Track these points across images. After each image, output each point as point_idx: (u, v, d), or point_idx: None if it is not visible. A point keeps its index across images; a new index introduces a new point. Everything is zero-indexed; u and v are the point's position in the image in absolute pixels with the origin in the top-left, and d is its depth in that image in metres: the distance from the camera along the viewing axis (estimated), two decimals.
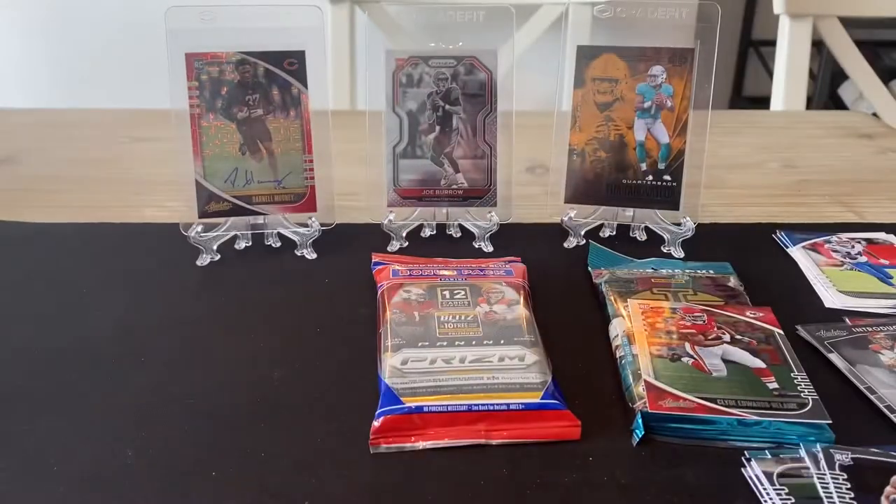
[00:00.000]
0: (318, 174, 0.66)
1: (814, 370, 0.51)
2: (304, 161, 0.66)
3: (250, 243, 0.68)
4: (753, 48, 2.58)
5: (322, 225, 0.68)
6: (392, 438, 0.46)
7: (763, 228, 0.72)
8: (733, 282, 0.61)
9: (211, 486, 0.43)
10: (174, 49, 0.62)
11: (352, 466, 0.45)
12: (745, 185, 0.83)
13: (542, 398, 0.47)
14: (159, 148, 0.89)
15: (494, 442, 0.46)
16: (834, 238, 0.69)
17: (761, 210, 0.77)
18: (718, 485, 0.44)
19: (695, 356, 0.51)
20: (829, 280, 0.63)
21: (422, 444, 0.46)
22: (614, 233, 0.70)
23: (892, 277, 0.63)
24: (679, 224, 0.68)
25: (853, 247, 0.67)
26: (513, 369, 0.49)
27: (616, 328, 0.55)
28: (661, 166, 0.67)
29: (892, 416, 0.48)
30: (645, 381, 0.49)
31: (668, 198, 0.67)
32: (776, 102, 1.23)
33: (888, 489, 0.41)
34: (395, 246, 0.68)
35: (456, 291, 0.57)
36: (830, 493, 0.41)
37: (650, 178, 0.67)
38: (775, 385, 0.49)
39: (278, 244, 0.68)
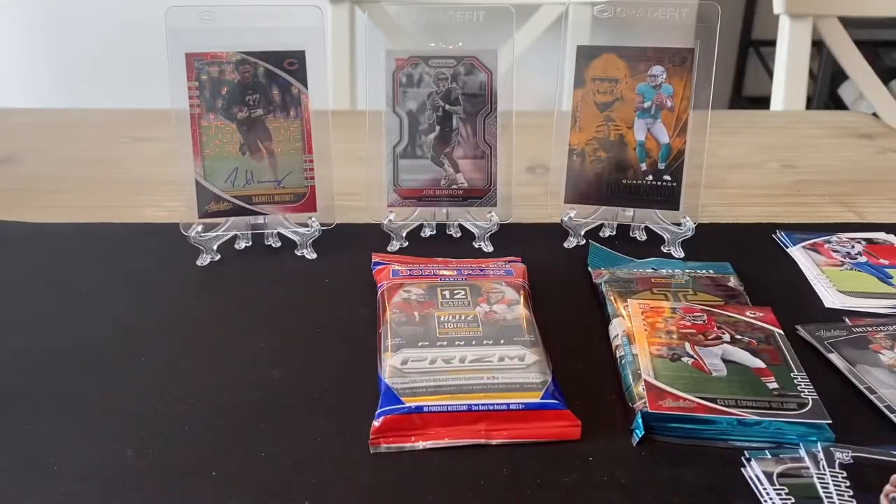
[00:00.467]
0: (318, 174, 0.66)
1: (814, 370, 0.51)
2: (304, 161, 0.66)
3: (250, 243, 0.68)
4: (753, 48, 2.58)
5: (322, 225, 0.68)
6: (392, 438, 0.46)
7: (763, 228, 0.72)
8: (733, 282, 0.61)
9: (211, 486, 0.43)
10: (174, 49, 0.62)
11: (352, 466, 0.45)
12: (745, 185, 0.83)
13: (542, 398, 0.47)
14: (159, 148, 0.89)
15: (494, 442, 0.46)
16: (834, 238, 0.69)
17: (761, 210, 0.77)
18: (718, 485, 0.44)
19: (695, 356, 0.51)
20: (829, 280, 0.63)
21: (422, 444, 0.46)
22: (614, 233, 0.70)
23: (892, 277, 0.63)
24: (679, 224, 0.68)
25: (853, 247, 0.67)
26: (513, 369, 0.49)
27: (616, 328, 0.55)
28: (661, 166, 0.67)
29: (892, 416, 0.48)
30: (645, 380, 0.49)
31: (668, 198, 0.67)
32: (776, 102, 1.23)
33: (888, 488, 0.41)
34: (395, 246, 0.68)
35: (456, 291, 0.57)
36: (830, 492, 0.41)
37: (650, 178, 0.67)
38: (775, 385, 0.49)
39: (278, 244, 0.68)
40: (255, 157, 0.65)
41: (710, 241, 0.68)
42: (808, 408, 0.47)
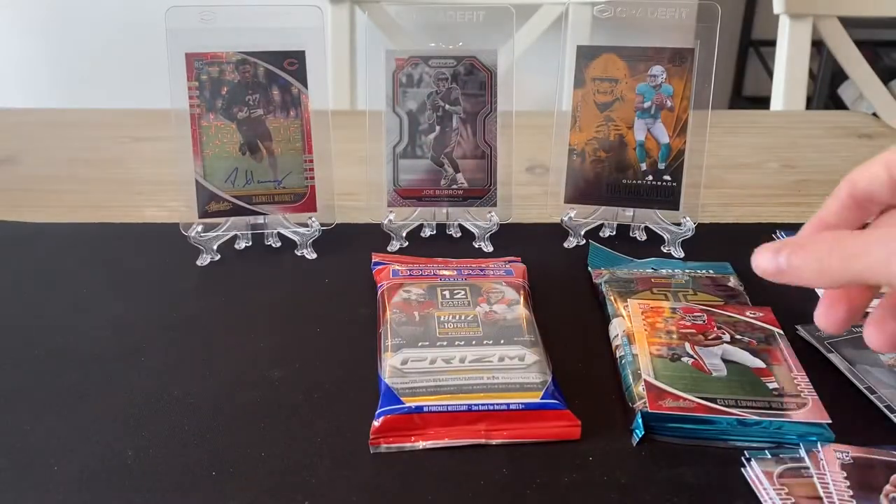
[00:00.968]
0: (318, 174, 0.66)
1: (814, 370, 0.51)
2: (304, 161, 0.66)
3: (250, 243, 0.68)
4: (753, 48, 2.59)
5: (322, 225, 0.68)
6: (392, 438, 0.46)
7: (763, 228, 0.72)
8: (733, 282, 0.61)
9: (211, 486, 0.43)
10: (174, 49, 0.62)
11: (352, 466, 0.45)
12: (745, 184, 0.83)
13: (542, 398, 0.47)
14: (159, 148, 0.89)
15: (494, 442, 0.46)
16: None
17: (761, 210, 0.77)
18: (718, 485, 0.44)
19: (695, 356, 0.51)
20: None
21: (422, 444, 0.46)
22: (614, 233, 0.70)
23: None
24: (679, 224, 0.68)
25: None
26: (513, 369, 0.49)
27: (616, 328, 0.55)
28: (661, 166, 0.67)
29: (892, 416, 0.48)
30: (645, 380, 0.49)
31: (668, 198, 0.67)
32: (776, 102, 1.23)
33: (888, 488, 0.41)
34: (395, 246, 0.68)
35: (456, 291, 0.57)
36: (830, 492, 0.41)
37: (650, 178, 0.67)
38: (775, 385, 0.49)
39: (278, 244, 0.68)
40: (255, 157, 0.65)
41: (709, 241, 0.68)
42: (807, 408, 0.47)
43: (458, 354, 0.51)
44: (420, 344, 0.52)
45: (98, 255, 0.67)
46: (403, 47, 0.66)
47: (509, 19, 0.67)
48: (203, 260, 0.65)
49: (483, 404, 0.47)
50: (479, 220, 0.69)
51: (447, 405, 0.47)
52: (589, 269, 0.64)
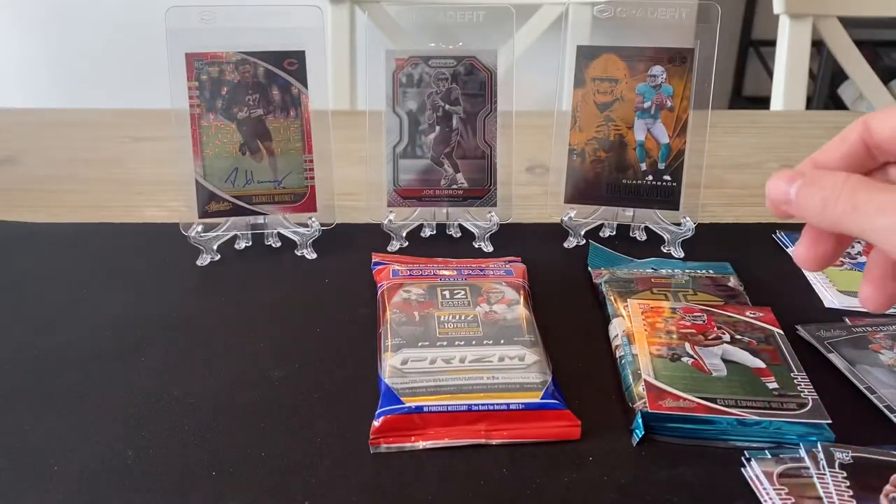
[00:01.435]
0: (318, 174, 0.66)
1: (814, 370, 0.51)
2: (304, 161, 0.66)
3: (250, 243, 0.68)
4: (753, 48, 2.59)
5: (322, 225, 0.68)
6: (392, 438, 0.46)
7: (763, 228, 0.72)
8: (733, 282, 0.61)
9: (211, 486, 0.43)
10: (174, 49, 0.62)
11: (352, 466, 0.45)
12: (745, 184, 0.83)
13: (542, 398, 0.47)
14: (159, 148, 0.89)
15: (494, 442, 0.46)
16: None
17: (761, 210, 0.77)
18: (718, 485, 0.44)
19: (695, 356, 0.51)
20: (828, 280, 0.63)
21: (422, 444, 0.46)
22: (614, 233, 0.70)
23: None
24: (679, 224, 0.68)
25: (853, 247, 0.67)
26: (513, 369, 0.49)
27: (616, 328, 0.55)
28: (661, 166, 0.67)
29: (892, 415, 0.48)
30: (645, 380, 0.49)
31: (668, 198, 0.67)
32: (776, 102, 1.23)
33: (888, 488, 0.41)
34: (395, 246, 0.68)
35: (456, 291, 0.57)
36: (830, 492, 0.41)
37: (650, 178, 0.67)
38: (775, 385, 0.49)
39: (278, 244, 0.68)
40: (255, 157, 0.65)
41: (709, 241, 0.68)
42: (808, 408, 0.47)
43: (458, 354, 0.51)
44: (420, 344, 0.52)
45: (98, 255, 0.67)
46: (403, 47, 0.66)
47: (509, 19, 0.67)
48: (203, 260, 0.65)
49: (483, 404, 0.47)
50: (479, 220, 0.69)
51: (447, 405, 0.47)
52: (589, 269, 0.64)
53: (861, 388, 0.50)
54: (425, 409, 0.47)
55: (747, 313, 0.56)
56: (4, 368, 0.52)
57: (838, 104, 2.35)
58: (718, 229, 0.72)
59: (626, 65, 0.66)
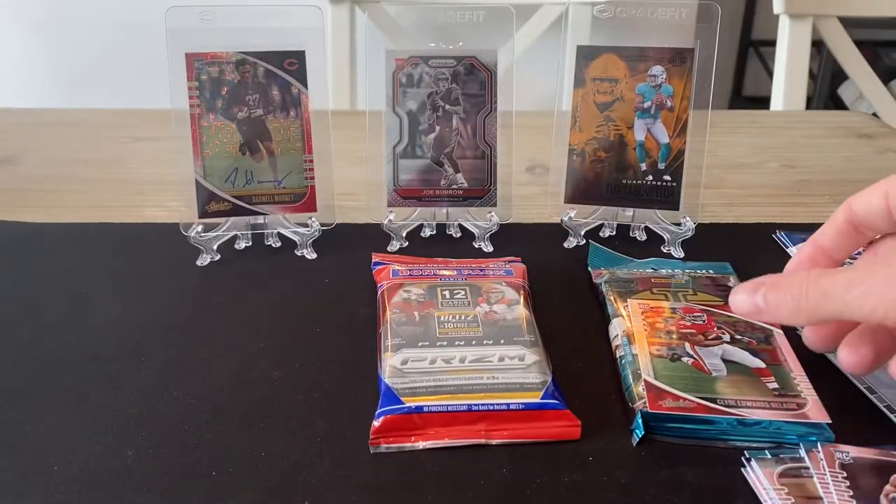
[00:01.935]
0: (318, 174, 0.66)
1: (814, 370, 0.51)
2: (304, 161, 0.66)
3: (250, 243, 0.68)
4: (753, 48, 2.59)
5: (322, 225, 0.68)
6: (392, 438, 0.46)
7: (763, 228, 0.72)
8: (733, 282, 0.61)
9: (211, 486, 0.43)
10: (174, 49, 0.62)
11: (352, 466, 0.45)
12: (745, 184, 0.83)
13: (542, 398, 0.47)
14: (159, 148, 0.89)
15: (494, 442, 0.46)
16: None
17: (761, 210, 0.77)
18: (718, 485, 0.44)
19: (695, 356, 0.51)
20: None
21: (422, 444, 0.46)
22: (614, 233, 0.70)
23: None
24: (679, 224, 0.68)
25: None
26: (513, 369, 0.49)
27: (616, 328, 0.55)
28: (661, 166, 0.67)
29: (892, 415, 0.48)
30: (645, 380, 0.49)
31: (668, 198, 0.67)
32: (776, 102, 1.23)
33: (888, 488, 0.41)
34: (395, 246, 0.68)
35: (456, 291, 0.57)
36: (830, 492, 0.41)
37: (650, 178, 0.67)
38: (775, 385, 0.49)
39: (278, 244, 0.68)
40: (255, 157, 0.65)
41: (709, 241, 0.68)
42: (807, 408, 0.47)
43: (458, 354, 0.51)
44: (420, 344, 0.52)
45: (98, 255, 0.67)
46: (403, 47, 0.66)
47: (509, 19, 0.67)
48: (203, 260, 0.65)
49: (483, 404, 0.47)
50: (479, 220, 0.69)
51: (447, 405, 0.47)
52: (589, 269, 0.64)
53: (861, 388, 0.50)
54: (425, 409, 0.46)
55: None
56: (4, 368, 0.52)
57: (838, 104, 2.35)
58: (718, 229, 0.72)
59: (626, 65, 0.66)
